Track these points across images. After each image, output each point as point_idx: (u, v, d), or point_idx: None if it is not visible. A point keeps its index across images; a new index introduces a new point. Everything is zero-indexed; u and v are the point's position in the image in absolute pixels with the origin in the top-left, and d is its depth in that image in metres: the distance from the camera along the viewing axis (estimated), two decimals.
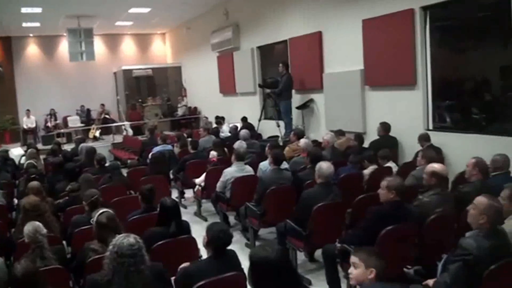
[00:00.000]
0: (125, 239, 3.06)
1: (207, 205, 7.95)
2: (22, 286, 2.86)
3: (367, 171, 6.53)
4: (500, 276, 3.27)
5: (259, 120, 12.03)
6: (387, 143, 7.90)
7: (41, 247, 3.83)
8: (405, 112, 8.16)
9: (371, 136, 8.57)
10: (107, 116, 17.22)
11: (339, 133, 8.73)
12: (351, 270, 2.86)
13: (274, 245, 2.72)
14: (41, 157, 10.65)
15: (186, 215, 7.43)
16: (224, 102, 15.17)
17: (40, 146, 14.03)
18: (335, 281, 4.59)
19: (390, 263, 4.15)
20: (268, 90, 11.39)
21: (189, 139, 10.43)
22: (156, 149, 9.73)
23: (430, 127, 7.93)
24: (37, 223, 3.98)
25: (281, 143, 9.76)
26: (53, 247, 4.10)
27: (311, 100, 10.80)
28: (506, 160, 5.25)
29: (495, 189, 4.13)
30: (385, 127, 8.16)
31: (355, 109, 9.21)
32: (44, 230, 3.96)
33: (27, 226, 3.92)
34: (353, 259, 2.85)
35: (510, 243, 3.49)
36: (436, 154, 6.32)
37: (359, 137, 8.10)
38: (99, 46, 18.01)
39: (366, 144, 8.14)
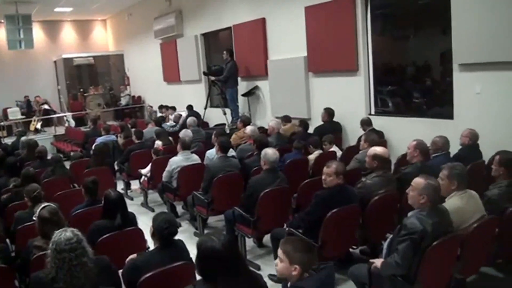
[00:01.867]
0: (62, 234, 2.98)
1: (154, 196, 7.86)
2: None
3: (312, 156, 6.66)
4: (441, 250, 3.43)
5: (205, 108, 11.98)
6: (331, 128, 8.08)
7: None
8: (348, 98, 8.35)
9: (316, 121, 8.73)
10: (46, 107, 16.61)
11: (285, 119, 8.82)
12: (277, 261, 2.77)
13: (221, 234, 2.70)
14: None
15: (133, 206, 7.36)
16: (169, 91, 14.98)
17: None
18: None
19: (336, 244, 4.33)
20: (213, 78, 11.33)
21: (133, 129, 10.26)
22: (99, 140, 9.50)
23: (372, 112, 8.17)
24: None
25: (227, 131, 9.76)
26: None
27: (256, 87, 10.85)
28: (446, 142, 5.49)
29: (436, 169, 4.29)
30: (329, 112, 8.32)
31: (300, 95, 9.32)
32: None
33: None
34: (279, 252, 2.74)
35: (451, 220, 3.65)
36: (378, 138, 6.52)
37: (304, 123, 8.21)
38: (38, 33, 17.32)
39: (311, 130, 8.27)
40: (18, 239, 4.62)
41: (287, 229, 4.59)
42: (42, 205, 3.92)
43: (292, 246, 2.69)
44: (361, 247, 5.06)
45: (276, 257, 4.62)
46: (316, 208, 4.36)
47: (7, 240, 4.95)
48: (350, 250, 4.96)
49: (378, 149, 4.95)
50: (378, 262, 3.61)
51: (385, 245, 3.75)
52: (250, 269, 2.75)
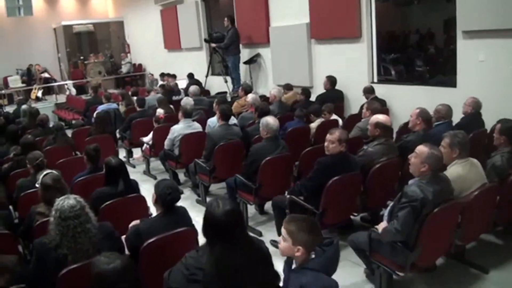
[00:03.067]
0: (65, 202, 3.01)
1: (156, 164, 7.88)
2: None
3: (313, 125, 6.64)
4: (441, 218, 3.45)
5: (206, 76, 11.90)
6: (333, 96, 8.04)
7: None
8: (350, 66, 8.28)
9: (318, 90, 8.68)
10: (46, 75, 16.51)
11: (287, 87, 8.77)
12: (280, 239, 2.70)
13: (226, 202, 2.69)
14: None
15: (135, 174, 7.40)
16: (170, 58, 14.86)
17: None
18: None
19: (336, 211, 4.35)
20: (214, 45, 11.22)
21: (135, 97, 10.22)
22: (100, 108, 9.49)
23: (375, 79, 8.10)
24: None
25: (229, 99, 9.73)
26: None
27: (258, 55, 10.75)
28: (448, 110, 5.45)
29: (438, 138, 4.29)
30: (331, 80, 8.27)
31: (302, 63, 9.24)
32: None
33: None
34: (283, 230, 2.66)
35: (452, 188, 3.67)
36: (381, 106, 6.48)
37: (306, 91, 8.17)
38: (37, 0, 17.07)
39: (313, 98, 8.24)
40: (21, 206, 4.67)
41: (288, 196, 4.61)
42: (45, 172, 3.94)
43: (296, 226, 2.59)
44: (361, 214, 5.09)
45: (277, 224, 4.72)
46: (318, 174, 4.36)
47: (10, 208, 4.99)
48: (351, 217, 4.99)
49: (380, 117, 4.93)
50: (379, 228, 3.64)
51: (386, 212, 3.78)
52: (252, 238, 2.77)
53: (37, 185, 3.93)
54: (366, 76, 8.05)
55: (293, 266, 2.68)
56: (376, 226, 3.71)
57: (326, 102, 7.25)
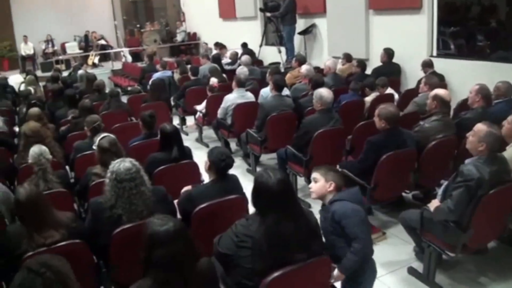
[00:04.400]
0: (121, 165, 3.10)
1: (209, 132, 7.97)
2: (25, 208, 2.91)
3: (368, 98, 6.50)
4: (497, 199, 3.34)
5: (260, 46, 11.82)
6: (389, 70, 7.82)
7: (44, 170, 3.88)
8: (409, 38, 8.00)
9: (374, 62, 8.45)
10: (103, 42, 16.88)
11: (347, 58, 8.59)
12: (312, 184, 3.08)
13: (277, 171, 2.72)
14: (41, 84, 10.56)
15: (188, 142, 7.48)
16: (224, 27, 14.81)
17: (39, 73, 13.90)
18: None
19: (389, 187, 4.28)
20: (269, 14, 11.09)
21: (188, 65, 10.29)
22: (156, 75, 9.64)
23: (434, 53, 7.81)
24: (44, 147, 4.01)
25: (282, 70, 9.64)
26: (56, 172, 4.15)
27: (314, 25, 10.55)
28: (509, 88, 5.19)
29: (497, 116, 4.11)
30: (388, 53, 8.03)
31: (359, 34, 9.01)
32: (49, 155, 3.99)
33: (33, 148, 3.95)
34: (314, 174, 3.07)
35: (510, 170, 3.52)
36: (439, 81, 6.27)
37: (362, 63, 7.98)
38: None
39: (368, 71, 8.04)
40: (77, 167, 4.85)
41: (339, 170, 4.56)
42: (102, 136, 4.05)
43: (325, 168, 3.06)
44: (413, 192, 4.98)
45: None
46: (369, 154, 4.29)
47: (66, 168, 5.17)
48: (403, 194, 4.90)
49: (440, 91, 4.78)
50: (432, 206, 3.56)
51: (440, 191, 3.69)
52: (302, 208, 2.77)
53: (94, 147, 4.06)
54: (425, 49, 7.75)
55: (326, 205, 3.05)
56: (429, 205, 3.63)
57: (382, 75, 7.06)
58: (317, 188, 3.04)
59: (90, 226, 3.27)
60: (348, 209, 2.86)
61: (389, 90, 6.70)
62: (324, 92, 5.11)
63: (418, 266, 3.89)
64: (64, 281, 1.79)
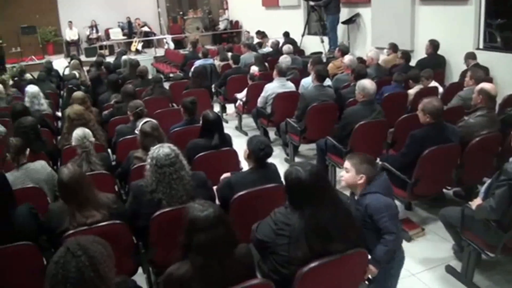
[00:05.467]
0: (160, 150, 3.14)
1: (248, 120, 7.99)
2: (68, 188, 2.99)
3: (412, 91, 6.36)
4: None
5: (302, 35, 11.74)
6: (434, 62, 7.65)
7: (87, 152, 3.97)
8: (455, 30, 7.80)
9: (419, 54, 8.28)
10: (146, 29, 17.10)
11: (393, 48, 8.43)
12: (343, 173, 3.08)
13: (307, 164, 2.71)
14: (85, 68, 10.80)
15: (227, 129, 7.41)
16: (266, 16, 14.77)
17: (83, 58, 14.22)
18: None
19: (430, 183, 4.19)
20: (312, 3, 10.99)
21: (230, 53, 10.33)
22: (198, 63, 9.72)
23: (481, 46, 7.58)
24: (87, 129, 4.10)
25: (324, 60, 9.55)
26: (99, 154, 4.25)
27: (358, 15, 10.41)
28: None
29: None
30: (434, 45, 7.84)
31: (404, 25, 8.84)
32: (92, 138, 4.08)
33: (77, 130, 4.04)
34: (346, 164, 3.06)
35: None
36: (485, 75, 6.08)
37: (406, 54, 7.82)
38: None
39: (413, 63, 7.87)
40: (119, 150, 4.95)
41: (380, 163, 4.49)
42: (144, 120, 4.12)
43: (358, 158, 3.01)
44: (455, 188, 4.87)
45: None
46: (411, 149, 4.21)
47: (109, 151, 5.28)
48: (444, 190, 4.80)
49: (486, 85, 4.64)
50: (474, 204, 3.47)
51: (483, 189, 3.60)
52: (340, 198, 2.74)
53: (136, 132, 4.13)
54: (471, 41, 7.54)
55: (356, 197, 3.06)
56: (470, 202, 3.54)
57: (427, 67, 6.90)
58: (347, 178, 3.05)
59: (130, 208, 3.34)
60: (382, 203, 2.87)
61: (434, 83, 6.55)
62: (367, 83, 5.03)
63: (456, 264, 3.82)
64: (97, 269, 1.78)
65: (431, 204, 4.78)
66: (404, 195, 4.21)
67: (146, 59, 14.49)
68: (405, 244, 4.05)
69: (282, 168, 3.73)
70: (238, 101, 7.74)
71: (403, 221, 4.38)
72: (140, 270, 3.43)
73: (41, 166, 3.99)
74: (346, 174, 3.04)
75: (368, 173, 2.96)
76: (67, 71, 10.69)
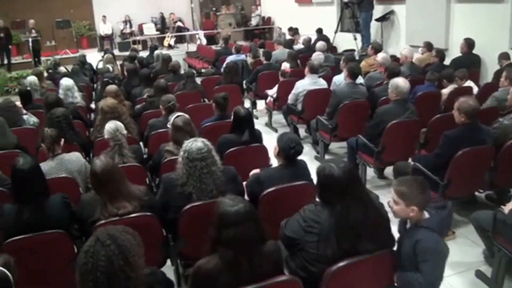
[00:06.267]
0: (193, 144, 3.18)
1: (278, 117, 7.99)
2: (101, 179, 3.04)
3: (445, 91, 6.24)
4: None
5: (335, 32, 11.64)
6: (469, 61, 7.49)
7: (120, 145, 4.04)
8: (491, 28, 7.63)
9: (454, 53, 8.12)
10: (180, 23, 17.23)
11: (428, 47, 8.30)
12: (392, 204, 2.76)
13: (340, 161, 2.69)
14: (118, 62, 10.95)
15: (257, 125, 7.45)
16: (299, 13, 14.68)
17: (116, 52, 14.43)
18: None
19: (462, 185, 4.11)
20: (346, 0, 10.89)
21: (261, 50, 10.33)
22: (229, 58, 9.77)
23: None
24: (119, 122, 4.17)
25: (357, 57, 9.47)
26: (131, 146, 4.32)
27: (392, 12, 10.26)
28: None
29: None
30: (469, 43, 7.67)
31: (438, 23, 8.69)
32: (124, 130, 4.14)
33: (109, 123, 4.11)
34: (393, 194, 2.73)
35: None
36: None
37: (441, 53, 7.67)
38: None
39: (447, 62, 7.73)
40: (150, 143, 5.03)
41: (412, 163, 4.44)
42: (176, 115, 4.17)
43: (407, 187, 2.67)
44: (487, 191, 4.77)
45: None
46: (445, 149, 4.13)
47: (140, 144, 5.35)
48: (476, 193, 4.70)
49: None
50: (506, 208, 3.39)
51: None
52: (371, 197, 2.72)
53: (168, 126, 4.18)
54: (507, 41, 7.35)
55: (407, 225, 2.81)
56: (502, 206, 3.45)
57: (461, 67, 6.76)
58: (397, 211, 2.74)
59: (161, 200, 3.39)
60: (433, 247, 2.56)
61: (468, 83, 6.41)
62: (401, 82, 4.97)
63: (486, 270, 3.73)
64: (126, 258, 1.82)
65: (463, 206, 4.69)
66: (435, 196, 4.13)
67: (178, 54, 14.62)
68: None
69: (311, 165, 3.73)
70: (269, 98, 7.74)
71: None
72: (168, 262, 3.48)
73: (75, 157, 4.07)
74: (396, 207, 2.73)
75: (420, 203, 2.66)
76: (100, 65, 10.88)
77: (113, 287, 1.80)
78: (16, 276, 2.10)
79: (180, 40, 17.08)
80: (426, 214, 2.69)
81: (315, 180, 3.03)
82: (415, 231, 2.65)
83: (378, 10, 10.53)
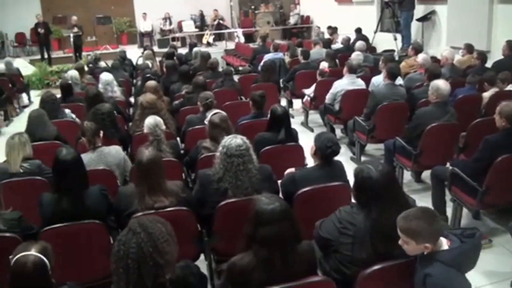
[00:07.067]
0: (232, 140, 3.20)
1: (315, 116, 7.95)
2: (145, 169, 3.10)
3: (486, 94, 6.07)
4: None
5: (375, 32, 11.51)
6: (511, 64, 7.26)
7: (158, 140, 4.10)
8: None
9: (496, 55, 7.92)
10: (220, 21, 17.34)
11: (468, 49, 8.11)
12: (401, 243, 2.36)
13: (379, 163, 2.66)
14: (157, 59, 11.10)
15: (293, 124, 7.43)
16: (339, 12, 14.55)
17: (155, 48, 14.62)
18: (441, 204, 4.48)
19: (502, 192, 3.99)
20: None
21: (299, 48, 10.30)
22: (267, 57, 9.76)
23: None
24: (158, 118, 4.24)
25: (397, 58, 9.33)
26: (169, 142, 4.37)
27: (433, 12, 10.08)
28: None
29: None
30: (510, 46, 7.45)
31: (480, 24, 8.51)
32: (163, 126, 4.22)
33: (149, 119, 4.18)
34: (401, 235, 2.34)
35: None
36: None
37: (482, 55, 7.47)
38: None
39: (489, 64, 7.53)
40: (188, 139, 5.06)
41: (450, 168, 4.34)
42: (214, 112, 4.20)
43: (414, 224, 2.28)
44: None
45: (434, 196, 4.49)
46: (485, 154, 4.01)
47: (177, 139, 5.40)
48: None
49: None
50: None
51: None
52: (408, 201, 2.69)
53: (205, 122, 4.21)
54: None
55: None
56: None
57: (503, 69, 6.53)
58: (410, 250, 2.37)
59: (197, 195, 3.43)
60: (443, 286, 2.25)
61: (510, 86, 6.21)
62: (442, 84, 4.87)
63: None
64: (155, 245, 1.92)
65: (501, 214, 4.56)
66: (473, 203, 4.03)
67: (216, 52, 14.68)
68: None
69: (347, 166, 3.70)
70: (306, 97, 7.71)
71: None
72: (202, 257, 3.51)
73: (115, 150, 4.17)
74: (406, 246, 2.36)
75: (432, 238, 2.29)
76: (140, 61, 11.04)
77: (143, 273, 1.90)
78: (53, 262, 2.17)
79: (218, 37, 17.19)
80: (445, 243, 2.33)
81: (351, 181, 3.01)
82: (428, 262, 2.30)
83: (419, 10, 10.37)
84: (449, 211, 4.45)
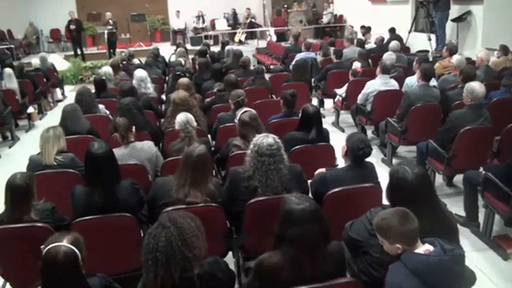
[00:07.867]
0: (264, 139, 3.20)
1: (346, 117, 7.89)
2: (194, 162, 3.12)
3: None
4: None
5: (409, 32, 11.36)
6: None
7: (190, 137, 4.14)
8: None
9: None
10: (253, 20, 17.37)
11: (503, 50, 7.91)
12: (380, 242, 2.39)
13: (415, 166, 2.63)
14: (189, 56, 11.19)
15: (324, 124, 7.40)
16: (372, 11, 14.42)
17: (188, 46, 14.74)
18: (473, 209, 4.41)
19: None
20: None
21: (332, 48, 10.23)
22: (299, 56, 9.75)
23: None
24: (190, 115, 4.27)
25: (431, 59, 9.18)
26: (200, 138, 4.41)
27: (469, 13, 9.88)
28: None
29: None
30: None
31: None
32: (194, 123, 4.25)
33: (180, 115, 4.22)
34: (377, 234, 2.39)
35: None
36: None
37: None
38: None
39: None
40: (219, 136, 5.10)
41: (483, 172, 4.26)
42: (244, 110, 4.22)
43: (385, 223, 2.31)
44: None
45: (466, 201, 4.41)
46: None
47: (208, 136, 5.45)
48: None
49: None
50: None
51: None
52: (442, 206, 2.65)
53: (235, 121, 4.23)
54: None
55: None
56: None
57: None
58: (387, 249, 2.37)
59: (227, 193, 3.44)
60: (394, 285, 2.23)
61: None
62: (477, 86, 4.77)
63: None
64: (184, 239, 1.97)
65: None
66: (506, 209, 3.94)
67: (248, 50, 14.74)
68: (500, 263, 3.86)
69: (378, 168, 3.66)
70: (337, 97, 7.66)
71: (501, 238, 4.15)
72: (230, 254, 3.53)
73: (148, 146, 4.23)
74: (384, 246, 2.39)
75: (404, 239, 2.28)
76: (173, 58, 11.16)
77: (172, 266, 1.96)
78: (84, 254, 2.22)
79: (250, 36, 17.22)
80: (422, 249, 2.26)
81: (381, 183, 2.98)
82: (401, 266, 2.24)
83: (454, 10, 10.18)
84: (481, 217, 4.36)
